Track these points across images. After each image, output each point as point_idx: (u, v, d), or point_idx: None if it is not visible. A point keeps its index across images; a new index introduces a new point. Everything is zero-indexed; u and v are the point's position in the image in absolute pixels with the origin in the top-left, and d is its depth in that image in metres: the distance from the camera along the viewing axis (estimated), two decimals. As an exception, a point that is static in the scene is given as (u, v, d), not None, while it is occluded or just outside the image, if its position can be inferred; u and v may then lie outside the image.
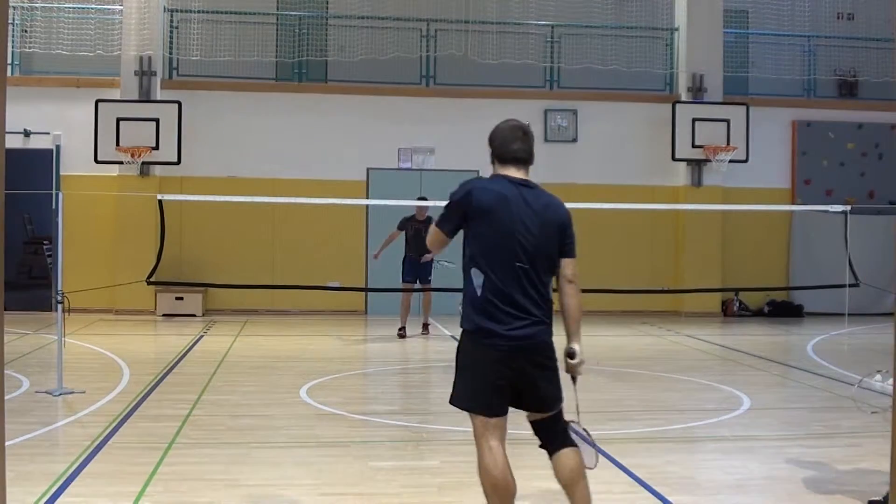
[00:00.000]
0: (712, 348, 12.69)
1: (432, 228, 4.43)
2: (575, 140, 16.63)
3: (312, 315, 15.65)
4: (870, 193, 17.23)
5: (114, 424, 7.13)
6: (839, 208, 11.58)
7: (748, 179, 16.55)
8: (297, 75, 16.45)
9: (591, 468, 4.43)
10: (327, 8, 16.86)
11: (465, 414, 4.39)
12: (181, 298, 15.31)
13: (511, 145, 4.35)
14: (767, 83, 16.97)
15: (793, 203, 16.90)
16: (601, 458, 6.35)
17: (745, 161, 16.15)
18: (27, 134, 15.21)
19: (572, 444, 4.38)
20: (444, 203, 4.44)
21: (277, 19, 16.43)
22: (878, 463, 5.34)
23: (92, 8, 15.76)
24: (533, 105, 16.51)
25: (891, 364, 4.71)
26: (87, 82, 15.47)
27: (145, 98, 15.24)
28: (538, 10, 16.52)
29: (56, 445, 6.74)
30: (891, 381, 6.51)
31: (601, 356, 11.69)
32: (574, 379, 4.43)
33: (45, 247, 17.93)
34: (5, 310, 2.69)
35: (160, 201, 10.26)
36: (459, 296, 4.50)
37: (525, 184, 4.32)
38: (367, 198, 15.71)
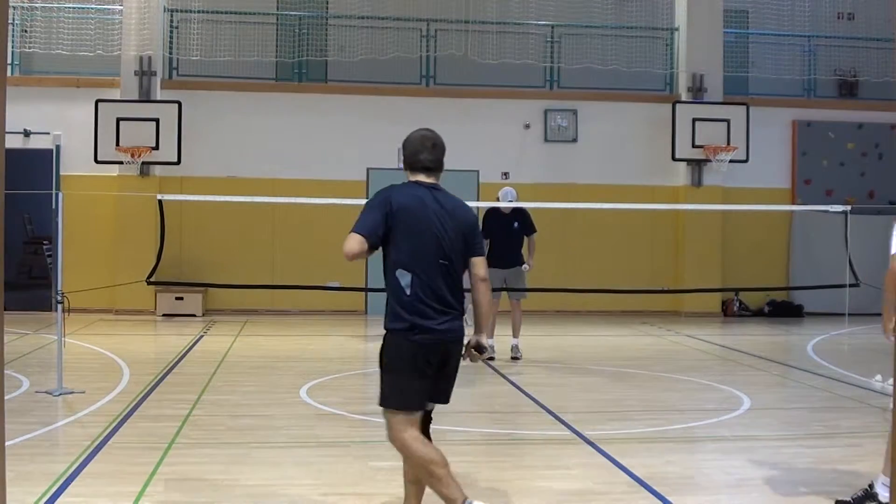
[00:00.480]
0: (712, 348, 12.69)
1: (349, 236, 4.48)
2: (575, 140, 16.63)
3: (312, 315, 15.65)
4: (870, 193, 17.23)
5: (114, 424, 7.12)
6: (839, 208, 11.58)
7: (748, 179, 16.55)
8: (297, 75, 16.45)
9: None
10: (327, 8, 16.86)
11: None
12: (181, 298, 15.31)
13: (419, 155, 4.64)
14: (767, 83, 16.97)
15: (793, 203, 16.89)
16: (601, 458, 6.37)
17: (746, 161, 16.14)
18: (27, 134, 15.21)
19: (429, 436, 4.62)
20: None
21: (277, 19, 16.43)
22: (878, 463, 5.34)
23: (92, 8, 15.75)
24: (533, 105, 16.52)
25: (891, 364, 4.72)
26: (87, 82, 15.46)
27: (145, 98, 15.24)
28: (538, 10, 16.51)
29: (56, 445, 6.74)
30: (891, 381, 6.52)
31: (600, 356, 11.71)
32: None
33: (45, 247, 17.92)
34: (5, 310, 2.69)
35: (160, 201, 10.27)
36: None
37: (435, 187, 4.64)
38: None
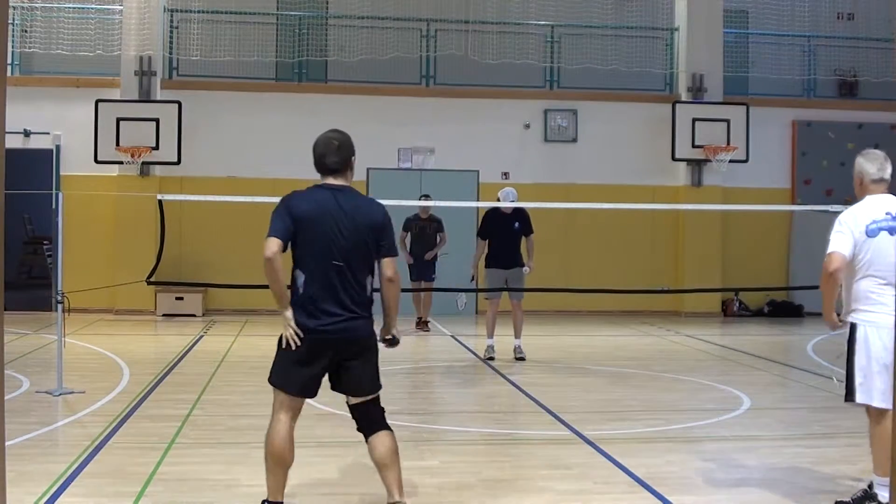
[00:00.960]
0: (712, 348, 12.69)
1: (267, 239, 4.63)
2: (575, 140, 16.63)
3: (312, 315, 15.62)
4: (870, 193, 17.21)
5: (114, 424, 7.12)
6: (839, 208, 11.55)
7: (748, 179, 16.55)
8: (297, 75, 16.45)
9: None
10: (327, 8, 16.86)
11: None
12: (181, 298, 15.31)
13: (324, 158, 4.75)
14: (767, 83, 16.97)
15: (793, 203, 16.90)
16: (601, 458, 6.37)
17: (745, 161, 16.15)
18: (27, 134, 15.21)
19: (387, 427, 4.81)
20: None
21: (277, 19, 16.43)
22: (877, 463, 5.34)
23: (92, 8, 15.76)
24: (533, 105, 16.52)
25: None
26: (87, 82, 15.47)
27: (145, 98, 15.24)
28: (538, 10, 16.52)
29: (56, 445, 6.73)
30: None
31: (600, 356, 11.71)
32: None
33: (45, 247, 17.93)
34: (5, 310, 2.69)
35: (160, 201, 10.25)
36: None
37: (341, 189, 4.72)
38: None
